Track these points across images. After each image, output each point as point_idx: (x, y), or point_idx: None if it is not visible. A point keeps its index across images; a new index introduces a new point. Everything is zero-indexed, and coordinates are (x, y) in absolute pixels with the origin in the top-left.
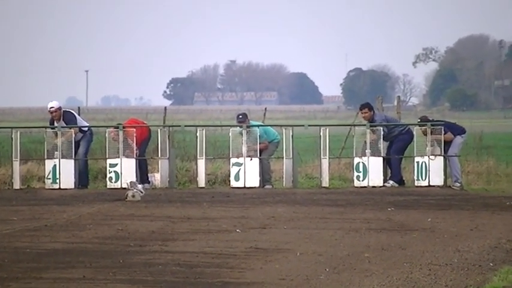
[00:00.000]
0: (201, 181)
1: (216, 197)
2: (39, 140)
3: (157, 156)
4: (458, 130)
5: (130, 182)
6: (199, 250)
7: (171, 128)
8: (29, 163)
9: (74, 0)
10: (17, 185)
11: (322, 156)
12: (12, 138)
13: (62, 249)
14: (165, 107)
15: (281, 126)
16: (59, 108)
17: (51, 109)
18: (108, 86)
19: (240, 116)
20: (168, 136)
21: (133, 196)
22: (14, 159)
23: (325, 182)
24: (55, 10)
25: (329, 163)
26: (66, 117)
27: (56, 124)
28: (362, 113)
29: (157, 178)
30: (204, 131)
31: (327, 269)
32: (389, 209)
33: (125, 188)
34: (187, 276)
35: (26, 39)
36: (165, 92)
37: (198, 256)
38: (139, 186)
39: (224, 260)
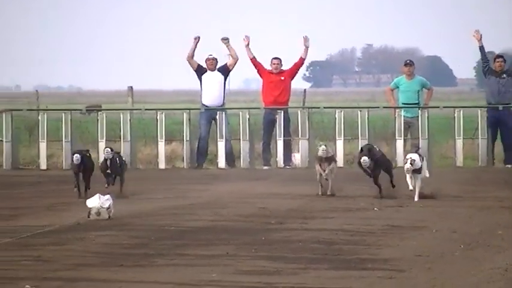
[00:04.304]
0: (340, 161)
1: (354, 177)
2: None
3: (298, 136)
4: None
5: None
6: (337, 227)
7: (310, 109)
8: (173, 143)
9: None
10: (162, 165)
11: (456, 137)
12: (157, 119)
13: (204, 227)
14: (305, 89)
15: (417, 107)
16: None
17: (210, 56)
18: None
19: (408, 61)
20: (308, 117)
21: (98, 214)
22: (159, 140)
23: (459, 162)
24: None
25: (463, 143)
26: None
27: (207, 73)
28: (496, 61)
29: (297, 158)
30: (342, 113)
31: (462, 246)
32: None
33: None
34: (326, 253)
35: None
36: (304, 74)
37: (337, 233)
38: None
39: (361, 237)
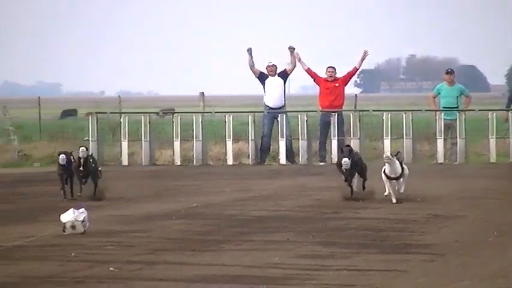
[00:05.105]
0: None
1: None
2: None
3: (350, 136)
4: None
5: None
6: (385, 216)
7: (361, 112)
8: (239, 142)
9: None
10: (230, 161)
11: (490, 136)
12: (225, 121)
13: (267, 216)
14: (356, 95)
15: (456, 110)
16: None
17: (270, 64)
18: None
19: (450, 70)
20: (359, 119)
21: (73, 228)
22: (227, 139)
23: (493, 158)
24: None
25: (496, 142)
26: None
27: (269, 78)
28: None
29: None
30: (389, 115)
31: (495, 233)
32: None
33: None
34: (375, 239)
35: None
36: (356, 81)
37: (384, 222)
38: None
39: (406, 225)
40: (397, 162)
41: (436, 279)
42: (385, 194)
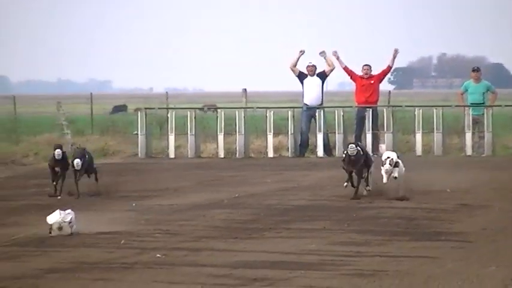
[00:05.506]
0: (418, 150)
1: (431, 164)
2: None
3: (384, 130)
4: None
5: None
6: (416, 206)
7: (394, 107)
8: (279, 136)
9: None
10: (270, 154)
11: None
12: (266, 116)
13: (305, 206)
14: (389, 91)
15: (483, 106)
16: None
17: (310, 64)
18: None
19: (476, 67)
20: (392, 114)
21: (60, 229)
22: (268, 133)
23: None
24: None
25: None
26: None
27: (308, 78)
28: None
29: (383, 148)
30: (420, 110)
31: None
32: None
33: None
34: (407, 227)
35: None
36: (389, 78)
37: (416, 211)
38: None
39: (437, 214)
40: (395, 154)
41: (465, 265)
42: (384, 181)
